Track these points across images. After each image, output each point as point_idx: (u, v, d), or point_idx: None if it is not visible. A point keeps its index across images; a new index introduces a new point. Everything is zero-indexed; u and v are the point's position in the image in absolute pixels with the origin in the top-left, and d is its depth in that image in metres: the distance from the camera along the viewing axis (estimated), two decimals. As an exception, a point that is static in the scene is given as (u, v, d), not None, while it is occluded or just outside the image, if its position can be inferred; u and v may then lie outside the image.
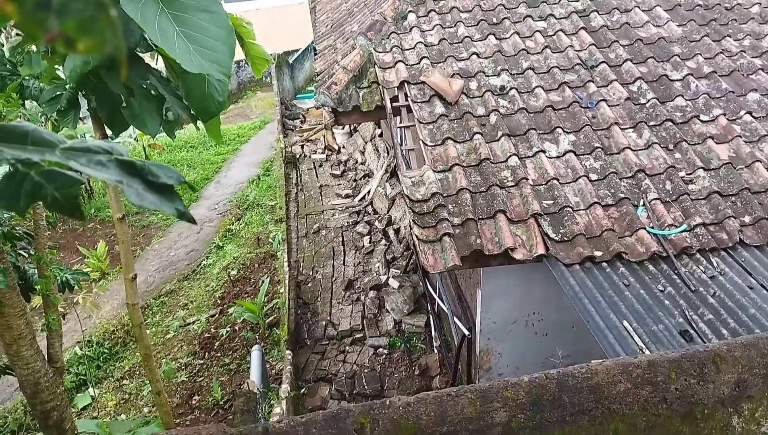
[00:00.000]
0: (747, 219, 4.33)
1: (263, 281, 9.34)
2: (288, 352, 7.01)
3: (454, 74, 5.59)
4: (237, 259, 10.52)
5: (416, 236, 4.21)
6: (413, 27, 6.30)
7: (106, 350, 8.61)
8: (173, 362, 8.09)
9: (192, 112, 2.21)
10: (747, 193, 4.46)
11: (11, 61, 2.99)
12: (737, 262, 4.05)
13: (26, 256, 3.93)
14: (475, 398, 1.56)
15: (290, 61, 20.47)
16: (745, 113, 5.12)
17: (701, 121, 5.07)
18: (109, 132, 2.69)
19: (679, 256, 4.10)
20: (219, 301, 9.48)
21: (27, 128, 0.74)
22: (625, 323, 3.59)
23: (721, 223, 4.28)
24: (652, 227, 4.25)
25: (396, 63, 5.82)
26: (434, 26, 6.30)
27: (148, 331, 7.66)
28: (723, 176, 4.61)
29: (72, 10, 0.62)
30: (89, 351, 8.45)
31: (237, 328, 8.60)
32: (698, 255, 4.10)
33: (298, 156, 14.44)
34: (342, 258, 9.74)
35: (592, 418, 1.59)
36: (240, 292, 9.57)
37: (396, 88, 5.60)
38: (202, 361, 8.09)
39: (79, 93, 2.58)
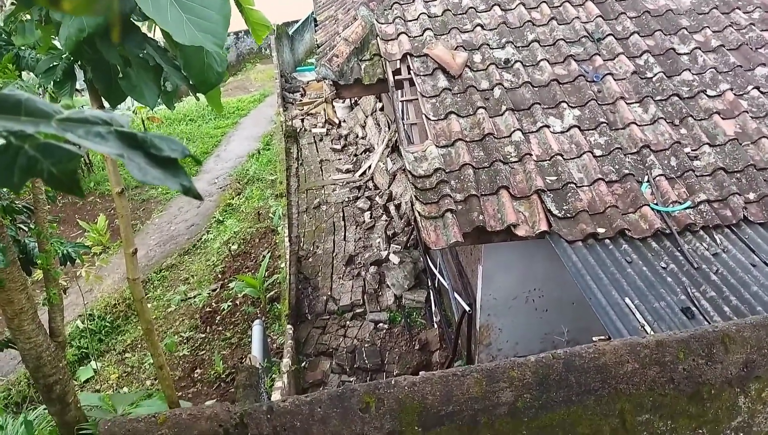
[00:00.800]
0: (752, 196, 4.29)
1: (264, 256, 9.33)
2: (289, 326, 7.04)
3: (457, 47, 5.48)
4: (237, 234, 10.51)
5: (418, 212, 4.17)
6: (416, -2, 6.15)
7: (107, 324, 8.65)
8: (175, 336, 8.14)
9: (191, 83, 2.15)
10: (752, 170, 4.41)
11: (5, 31, 2.90)
12: (741, 240, 4.03)
13: (26, 229, 3.90)
14: (481, 378, 1.55)
15: (290, 33, 20.11)
16: (753, 88, 5.04)
17: (708, 96, 4.99)
18: (106, 104, 2.63)
19: (683, 233, 4.07)
20: (220, 276, 9.49)
21: (20, 97, 0.68)
22: (627, 300, 3.58)
23: (726, 199, 4.25)
24: (656, 204, 4.22)
25: (399, 35, 5.70)
26: (437, -3, 6.15)
27: (149, 305, 7.69)
28: (728, 152, 4.56)
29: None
30: (91, 325, 8.49)
31: (238, 302, 8.63)
32: (701, 232, 4.08)
33: (298, 130, 14.30)
34: (342, 233, 9.72)
35: (599, 397, 1.57)
36: (241, 267, 9.58)
37: (398, 61, 5.49)
38: (203, 335, 8.14)
39: (76, 64, 2.51)
